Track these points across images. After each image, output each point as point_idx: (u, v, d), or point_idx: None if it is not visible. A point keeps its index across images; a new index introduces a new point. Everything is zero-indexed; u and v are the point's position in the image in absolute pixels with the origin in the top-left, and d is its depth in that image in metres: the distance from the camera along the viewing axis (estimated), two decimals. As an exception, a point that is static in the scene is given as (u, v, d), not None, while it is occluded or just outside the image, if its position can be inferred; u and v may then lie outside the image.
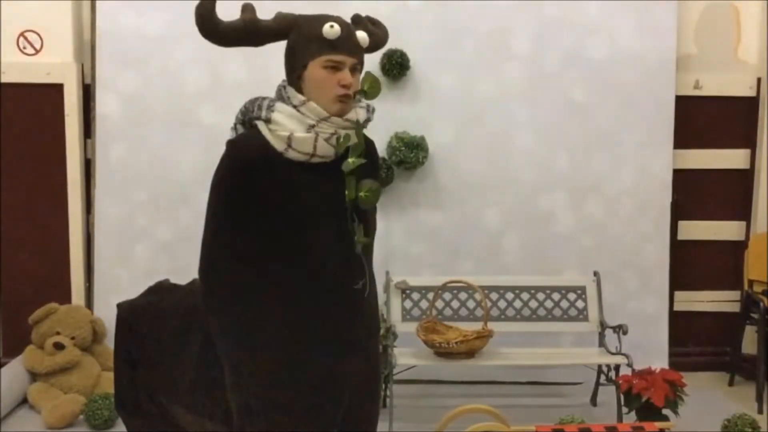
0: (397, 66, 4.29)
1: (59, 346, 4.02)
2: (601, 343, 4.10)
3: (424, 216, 4.46)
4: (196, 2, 2.00)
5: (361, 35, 2.08)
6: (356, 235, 2.09)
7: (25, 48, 4.32)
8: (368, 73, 2.10)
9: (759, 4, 4.61)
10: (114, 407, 2.99)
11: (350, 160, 2.06)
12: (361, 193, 2.08)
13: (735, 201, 4.72)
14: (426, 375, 4.19)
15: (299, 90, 2.06)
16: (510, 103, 4.44)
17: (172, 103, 4.34)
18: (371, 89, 2.10)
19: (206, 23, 2.01)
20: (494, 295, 4.16)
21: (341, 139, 2.04)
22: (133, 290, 2.57)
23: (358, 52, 2.07)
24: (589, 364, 4.06)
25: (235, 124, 2.14)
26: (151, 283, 2.56)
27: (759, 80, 4.63)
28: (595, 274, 4.21)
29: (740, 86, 4.66)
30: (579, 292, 4.21)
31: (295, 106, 2.04)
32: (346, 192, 2.07)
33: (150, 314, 2.44)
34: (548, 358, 3.99)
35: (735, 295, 4.69)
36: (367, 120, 2.14)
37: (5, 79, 4.32)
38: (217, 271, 2.09)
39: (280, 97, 2.08)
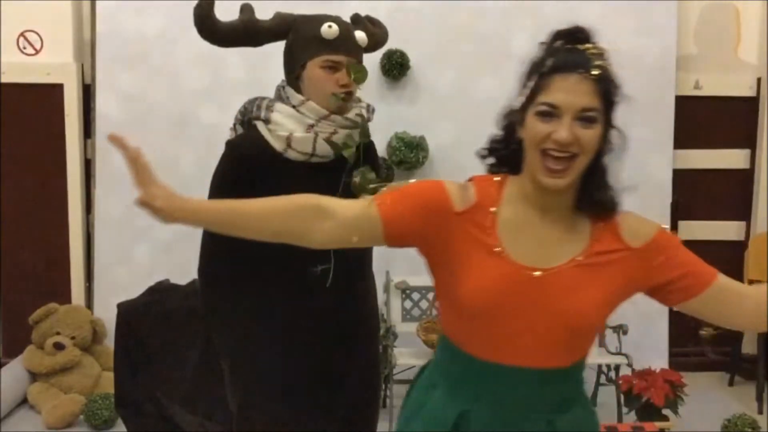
0: (397, 66, 4.28)
1: (59, 346, 4.01)
2: (601, 343, 4.08)
3: (424, 216, 4.45)
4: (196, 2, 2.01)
5: (360, 35, 2.08)
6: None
7: (25, 48, 4.32)
8: (351, 64, 2.05)
9: (759, 4, 4.59)
10: (114, 407, 3.01)
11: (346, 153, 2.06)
12: (356, 179, 2.06)
13: (735, 201, 4.71)
14: (426, 375, 4.18)
15: (298, 90, 2.06)
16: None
17: (172, 103, 4.33)
18: (358, 74, 2.05)
19: (205, 24, 2.02)
20: (494, 295, 4.14)
21: (343, 141, 2.03)
22: (133, 290, 2.58)
23: (356, 51, 2.07)
24: (589, 364, 4.05)
25: (235, 124, 2.14)
26: (151, 283, 2.57)
27: (759, 80, 4.62)
28: (595, 274, 4.20)
29: (740, 86, 4.64)
30: (579, 292, 4.20)
31: (294, 106, 2.04)
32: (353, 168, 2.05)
33: (150, 314, 2.45)
34: (548, 358, 3.98)
35: (735, 295, 4.68)
36: (367, 120, 2.14)
37: (5, 79, 4.31)
38: (215, 270, 2.09)
39: (279, 97, 2.08)
